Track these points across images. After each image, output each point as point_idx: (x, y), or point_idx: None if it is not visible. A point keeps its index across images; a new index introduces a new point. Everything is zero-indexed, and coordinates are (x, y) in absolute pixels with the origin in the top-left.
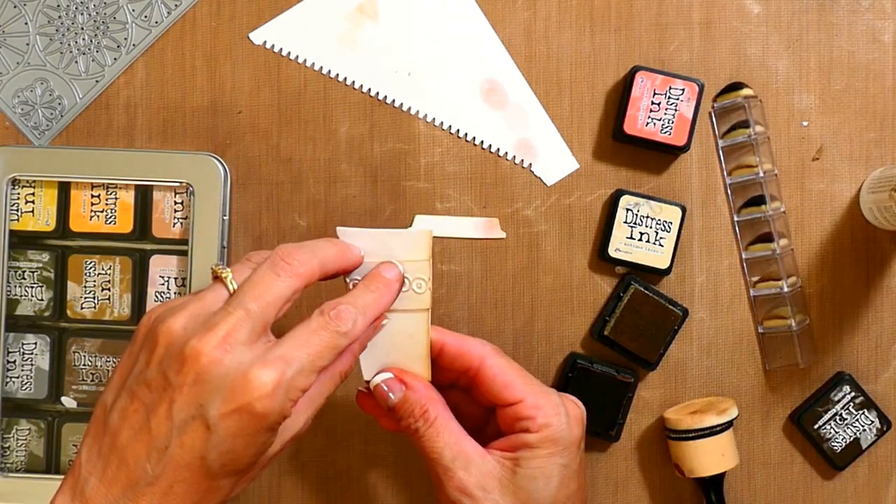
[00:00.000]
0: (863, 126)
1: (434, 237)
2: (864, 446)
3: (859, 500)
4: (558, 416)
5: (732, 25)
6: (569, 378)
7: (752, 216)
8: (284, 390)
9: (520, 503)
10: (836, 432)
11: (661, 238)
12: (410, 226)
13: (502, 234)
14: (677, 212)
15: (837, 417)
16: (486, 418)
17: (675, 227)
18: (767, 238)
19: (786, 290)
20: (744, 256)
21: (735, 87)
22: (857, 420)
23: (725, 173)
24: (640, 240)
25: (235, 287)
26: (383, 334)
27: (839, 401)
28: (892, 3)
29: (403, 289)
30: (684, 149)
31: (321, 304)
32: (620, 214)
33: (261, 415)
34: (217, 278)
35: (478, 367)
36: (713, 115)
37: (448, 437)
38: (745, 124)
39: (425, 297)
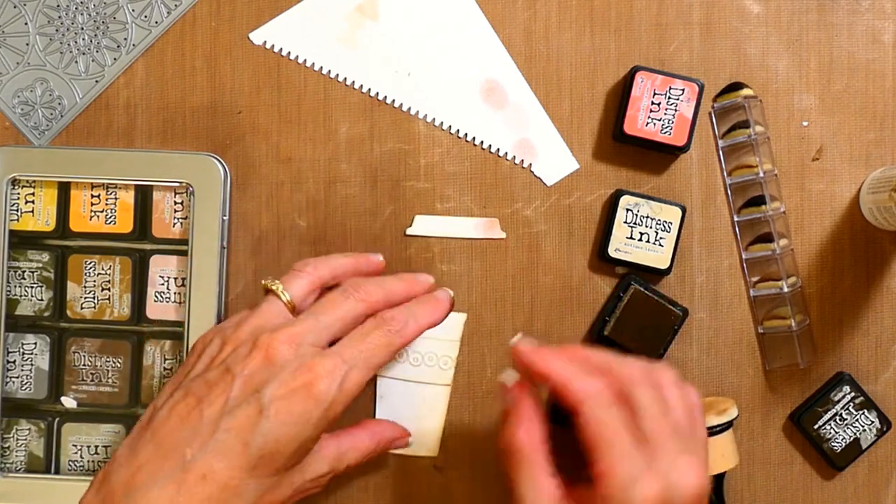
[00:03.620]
0: (863, 126)
1: (434, 237)
2: (864, 446)
3: (859, 501)
4: (625, 494)
5: (732, 25)
6: None
7: (752, 216)
8: (341, 376)
9: None
10: (836, 432)
11: (661, 238)
12: (410, 226)
13: (502, 235)
14: (677, 212)
15: (837, 417)
16: None
17: (675, 228)
18: (767, 238)
19: (786, 290)
20: (744, 256)
21: (735, 87)
22: (857, 420)
23: (725, 173)
24: (640, 240)
25: (288, 298)
26: (405, 401)
27: (839, 401)
28: (892, 3)
29: (430, 364)
30: (684, 149)
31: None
32: (620, 214)
33: (317, 396)
34: (269, 291)
35: (574, 408)
36: (713, 115)
37: (536, 474)
38: (745, 124)
39: (449, 374)
